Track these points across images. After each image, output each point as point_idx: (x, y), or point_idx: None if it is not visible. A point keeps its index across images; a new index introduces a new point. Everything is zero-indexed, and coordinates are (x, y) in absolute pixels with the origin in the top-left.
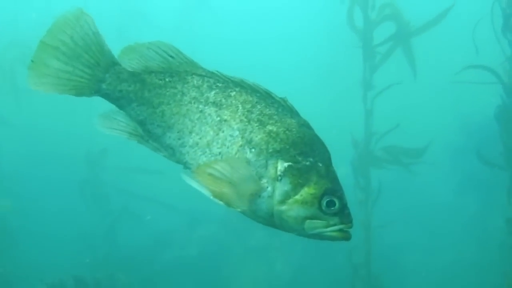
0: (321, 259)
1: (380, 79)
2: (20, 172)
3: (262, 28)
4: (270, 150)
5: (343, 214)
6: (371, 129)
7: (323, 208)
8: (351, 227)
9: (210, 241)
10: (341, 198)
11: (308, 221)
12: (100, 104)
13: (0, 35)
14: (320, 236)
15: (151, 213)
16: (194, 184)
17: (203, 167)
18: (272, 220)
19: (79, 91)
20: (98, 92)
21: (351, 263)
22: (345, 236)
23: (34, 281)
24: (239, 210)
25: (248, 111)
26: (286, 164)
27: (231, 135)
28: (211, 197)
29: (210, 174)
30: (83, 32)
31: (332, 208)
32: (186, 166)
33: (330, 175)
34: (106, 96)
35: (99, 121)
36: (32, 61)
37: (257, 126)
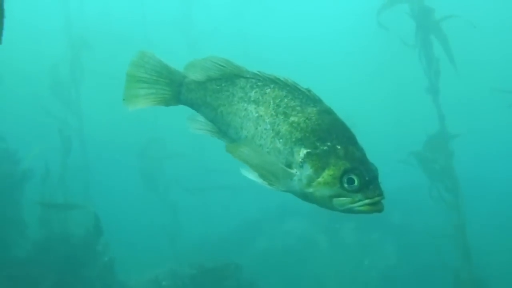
0: (411, 258)
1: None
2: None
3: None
4: (294, 139)
5: (368, 189)
6: (446, 131)
7: (345, 186)
8: (378, 200)
9: (298, 235)
10: (360, 175)
11: (334, 199)
12: None
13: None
14: (351, 211)
15: (239, 203)
16: (250, 175)
17: (232, 147)
18: (307, 199)
19: (167, 103)
20: (179, 102)
21: (448, 265)
22: (376, 208)
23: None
24: (281, 190)
25: (277, 105)
26: (305, 151)
27: (265, 129)
28: (262, 183)
29: (239, 154)
30: (151, 65)
31: (353, 185)
32: None
33: (348, 155)
34: (184, 104)
35: (189, 123)
36: (123, 99)
37: (282, 118)
